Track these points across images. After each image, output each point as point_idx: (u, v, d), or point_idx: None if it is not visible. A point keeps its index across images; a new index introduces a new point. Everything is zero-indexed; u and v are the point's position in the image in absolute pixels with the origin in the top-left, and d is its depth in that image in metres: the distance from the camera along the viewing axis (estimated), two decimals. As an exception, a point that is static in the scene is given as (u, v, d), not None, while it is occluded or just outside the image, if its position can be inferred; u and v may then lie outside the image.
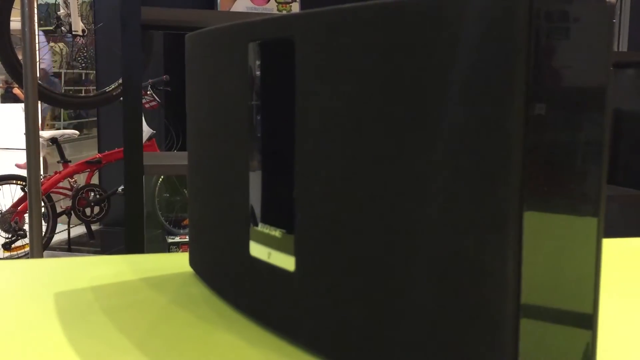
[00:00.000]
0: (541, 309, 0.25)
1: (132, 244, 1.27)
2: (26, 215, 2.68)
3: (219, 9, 1.62)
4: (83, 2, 3.36)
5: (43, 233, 2.85)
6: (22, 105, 1.46)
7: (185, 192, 2.64)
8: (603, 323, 0.38)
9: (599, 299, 0.27)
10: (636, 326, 0.37)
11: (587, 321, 0.27)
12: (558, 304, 0.25)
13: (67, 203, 2.96)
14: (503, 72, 0.23)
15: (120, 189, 2.85)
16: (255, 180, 0.36)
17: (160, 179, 2.71)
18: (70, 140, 3.25)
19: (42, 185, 2.41)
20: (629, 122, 1.81)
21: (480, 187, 0.24)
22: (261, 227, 0.35)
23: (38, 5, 3.54)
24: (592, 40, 0.25)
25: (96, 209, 2.94)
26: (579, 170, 0.25)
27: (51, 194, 2.87)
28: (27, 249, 2.74)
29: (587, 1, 0.24)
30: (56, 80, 3.59)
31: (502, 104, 0.23)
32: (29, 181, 1.39)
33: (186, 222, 2.67)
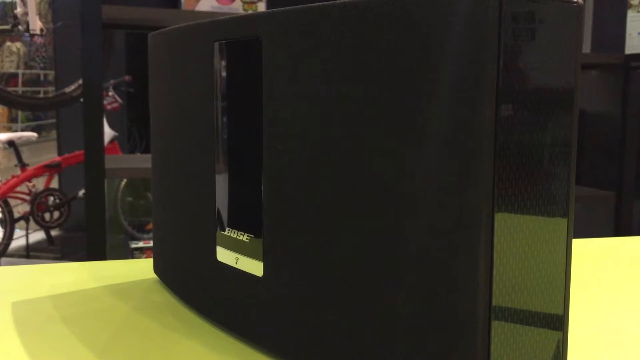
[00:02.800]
0: (512, 310, 0.25)
1: (94, 249, 1.24)
2: (-18, 221, 2.60)
3: (183, 9, 1.60)
4: (41, 0, 3.28)
5: (0, 239, 2.77)
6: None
7: (149, 195, 2.60)
8: (573, 323, 0.38)
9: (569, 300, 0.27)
10: (605, 326, 0.38)
11: (558, 322, 0.27)
12: (529, 305, 0.25)
13: (25, 208, 2.88)
14: (473, 74, 0.23)
15: (81, 193, 2.79)
16: (221, 183, 0.35)
17: (123, 182, 2.67)
18: (28, 142, 3.16)
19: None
20: (593, 123, 1.86)
21: (451, 189, 0.23)
22: (228, 232, 0.35)
23: (-6, 4, 3.44)
24: (560, 41, 0.25)
25: (56, 214, 2.88)
26: (548, 171, 0.25)
27: (8, 199, 2.79)
28: (-16, 255, 2.66)
29: (555, 3, 0.24)
30: None
31: (473, 105, 0.23)
32: (-16, 185, 1.35)
33: (150, 226, 2.63)
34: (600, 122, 1.85)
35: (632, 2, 1.74)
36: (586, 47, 1.89)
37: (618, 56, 1.76)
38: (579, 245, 0.59)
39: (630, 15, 1.74)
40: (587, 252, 0.56)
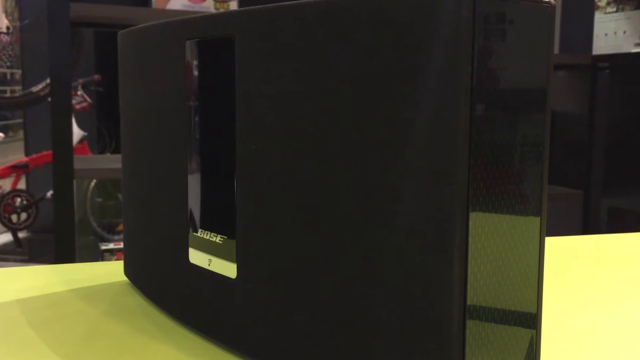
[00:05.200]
0: (487, 309, 0.25)
1: (63, 251, 1.22)
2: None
3: (153, 7, 1.58)
4: (7, -2, 3.21)
5: (-35, 242, 2.70)
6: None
7: (120, 196, 2.57)
8: (544, 320, 0.39)
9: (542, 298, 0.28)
10: (576, 323, 0.38)
11: (531, 320, 0.27)
12: (503, 304, 0.25)
13: (-8, 209, 2.82)
14: (447, 73, 0.23)
15: (49, 194, 2.74)
16: (194, 184, 0.34)
17: (93, 183, 2.62)
18: (-6, 143, 3.09)
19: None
20: (561, 122, 1.90)
21: (426, 189, 0.23)
22: (201, 233, 0.34)
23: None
24: (533, 42, 0.25)
25: (23, 216, 2.82)
26: (522, 170, 0.25)
27: (-26, 201, 2.72)
28: (-52, 258, 2.59)
29: (528, 3, 0.25)
30: None
31: (448, 105, 0.23)
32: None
33: (120, 228, 2.60)
34: (568, 121, 1.88)
35: (599, 3, 1.78)
36: (554, 48, 1.93)
37: (585, 57, 1.80)
38: (547, 243, 0.60)
39: (598, 16, 1.78)
40: (556, 249, 0.57)
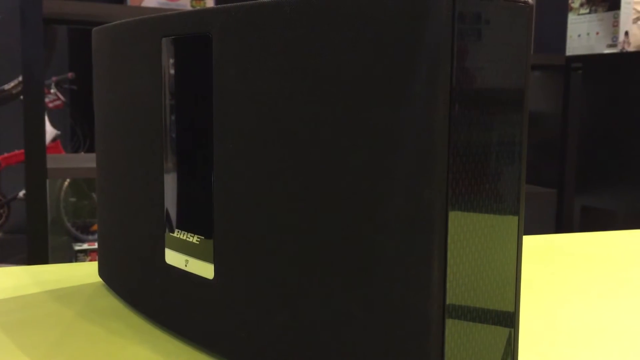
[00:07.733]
0: (466, 309, 0.25)
1: (35, 252, 1.20)
2: None
3: (128, 4, 1.56)
4: (-23, -6, 3.14)
5: None
6: None
7: (94, 196, 2.53)
8: (521, 319, 0.39)
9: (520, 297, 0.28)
10: (552, 321, 0.39)
11: (509, 319, 0.27)
12: (482, 303, 0.25)
13: (-38, 209, 2.76)
14: (427, 73, 0.23)
15: (21, 193, 2.69)
16: (170, 183, 0.34)
17: (66, 182, 2.59)
18: (-36, 141, 3.02)
19: None
20: (535, 122, 1.92)
21: (406, 188, 0.23)
22: (177, 234, 0.34)
23: None
24: (512, 41, 0.25)
25: (-5, 216, 2.76)
26: (501, 169, 0.26)
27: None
28: None
29: (506, 3, 0.25)
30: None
31: (427, 104, 0.23)
32: None
33: (95, 227, 2.56)
34: (541, 121, 1.91)
35: (572, 5, 1.80)
36: (529, 49, 1.95)
37: (559, 57, 1.82)
38: (524, 241, 0.60)
39: (571, 17, 1.80)
40: (530, 248, 0.58)
